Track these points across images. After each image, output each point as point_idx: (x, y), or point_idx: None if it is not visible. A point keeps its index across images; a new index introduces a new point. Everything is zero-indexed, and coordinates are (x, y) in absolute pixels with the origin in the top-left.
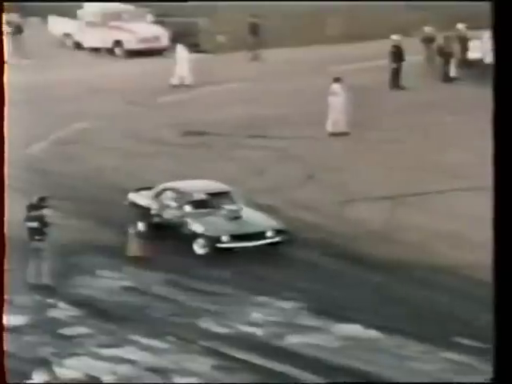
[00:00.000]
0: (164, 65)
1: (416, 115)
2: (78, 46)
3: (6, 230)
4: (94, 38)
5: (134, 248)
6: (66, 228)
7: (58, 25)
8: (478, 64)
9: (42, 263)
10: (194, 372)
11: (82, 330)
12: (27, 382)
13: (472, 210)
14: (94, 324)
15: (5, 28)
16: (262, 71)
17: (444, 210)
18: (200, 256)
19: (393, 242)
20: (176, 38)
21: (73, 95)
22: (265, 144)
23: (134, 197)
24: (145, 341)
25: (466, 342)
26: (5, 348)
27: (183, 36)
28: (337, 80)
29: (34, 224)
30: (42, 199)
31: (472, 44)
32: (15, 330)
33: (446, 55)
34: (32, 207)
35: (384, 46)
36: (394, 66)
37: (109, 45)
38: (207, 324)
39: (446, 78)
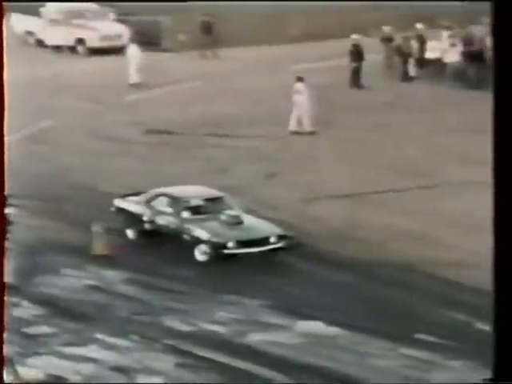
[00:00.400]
0: (126, 63)
1: (376, 114)
2: (41, 43)
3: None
4: (56, 35)
5: (98, 247)
6: (30, 227)
7: (20, 22)
8: (435, 63)
9: None
10: (157, 371)
11: (45, 329)
12: None
13: (431, 207)
14: (58, 323)
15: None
16: (224, 70)
17: (404, 207)
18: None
19: (354, 240)
20: (138, 37)
21: (36, 93)
22: (227, 143)
23: (121, 203)
24: (108, 339)
25: (426, 338)
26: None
27: (145, 34)
28: (300, 79)
29: None
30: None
31: (430, 44)
32: None
33: (404, 55)
34: None
35: (344, 46)
36: (354, 65)
37: (71, 43)
38: (171, 322)
39: (405, 78)
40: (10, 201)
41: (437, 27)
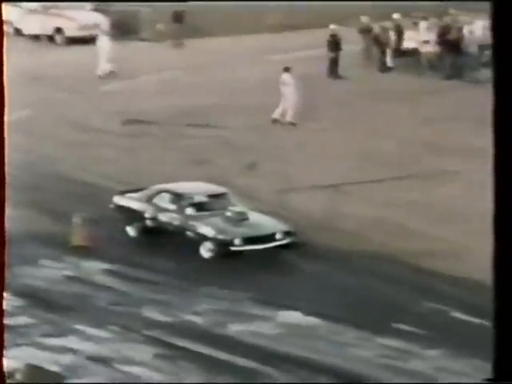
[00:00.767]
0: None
1: (354, 104)
2: (19, 32)
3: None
4: (34, 25)
5: (77, 238)
6: (7, 217)
7: None
8: (413, 53)
9: None
10: (136, 361)
11: (25, 319)
12: None
13: (408, 197)
14: (37, 314)
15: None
16: (202, 60)
17: (381, 198)
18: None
19: (332, 231)
20: (117, 26)
21: (13, 83)
22: (206, 133)
23: (120, 200)
24: (88, 330)
25: (403, 328)
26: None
27: (124, 24)
28: (287, 70)
29: None
30: None
31: (407, 34)
32: None
33: (382, 45)
34: None
35: (322, 36)
36: (332, 55)
37: (49, 32)
38: (150, 313)
39: (383, 68)
40: None
41: (414, 17)
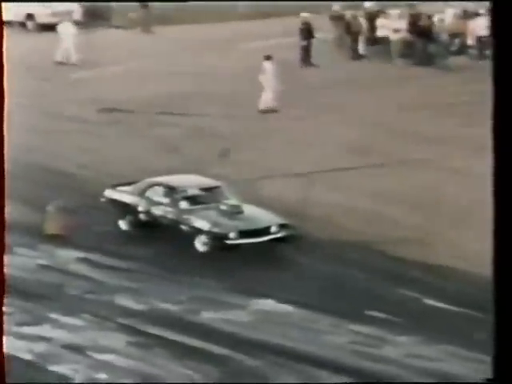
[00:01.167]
0: (78, 40)
1: (326, 92)
2: None
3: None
4: (5, 10)
5: (51, 226)
6: None
7: None
8: (384, 41)
9: None
10: (109, 348)
11: None
12: None
13: (383, 185)
14: (11, 302)
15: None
16: (173, 48)
17: (355, 186)
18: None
19: (307, 219)
20: (89, 14)
21: None
22: (180, 121)
23: (112, 194)
24: (62, 318)
25: (376, 315)
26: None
27: (96, 11)
28: (268, 58)
29: None
30: None
31: (379, 21)
32: None
33: (354, 33)
34: None
35: (294, 24)
36: (304, 43)
37: (21, 18)
38: (124, 301)
39: (355, 56)
40: None
41: (385, 5)
